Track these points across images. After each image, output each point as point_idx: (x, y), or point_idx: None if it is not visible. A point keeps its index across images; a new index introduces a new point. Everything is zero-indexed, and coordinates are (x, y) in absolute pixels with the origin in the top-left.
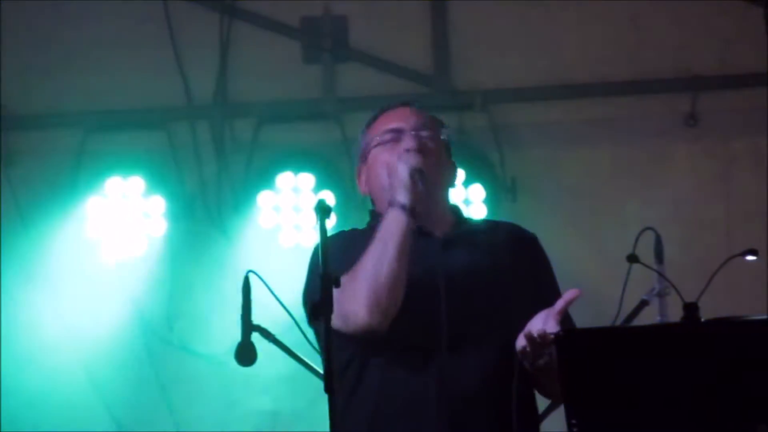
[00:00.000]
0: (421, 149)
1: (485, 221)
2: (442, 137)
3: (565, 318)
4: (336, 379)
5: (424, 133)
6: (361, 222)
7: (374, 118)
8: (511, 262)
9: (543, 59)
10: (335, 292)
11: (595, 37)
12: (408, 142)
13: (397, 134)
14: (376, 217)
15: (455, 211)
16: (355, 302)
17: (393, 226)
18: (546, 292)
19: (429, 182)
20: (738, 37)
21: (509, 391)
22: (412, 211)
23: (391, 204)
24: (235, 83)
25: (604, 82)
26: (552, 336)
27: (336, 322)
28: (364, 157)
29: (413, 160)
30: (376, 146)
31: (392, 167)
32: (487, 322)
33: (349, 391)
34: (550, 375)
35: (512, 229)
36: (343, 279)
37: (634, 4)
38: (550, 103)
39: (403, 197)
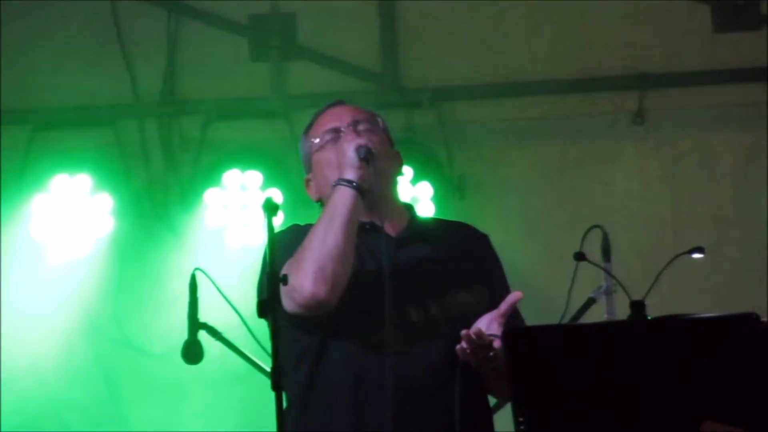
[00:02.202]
0: (357, 137)
1: (438, 220)
2: (380, 128)
3: (513, 318)
4: (289, 375)
5: (362, 126)
6: (311, 219)
7: (310, 125)
8: (463, 261)
9: (491, 57)
10: (284, 271)
11: (543, 35)
12: (348, 135)
13: (336, 133)
14: None
15: (408, 208)
16: (300, 274)
17: (338, 201)
18: (497, 291)
19: (376, 159)
20: (685, 35)
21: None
22: (359, 188)
23: (336, 183)
24: (182, 81)
25: (552, 79)
26: (490, 337)
27: (285, 302)
28: (308, 166)
29: (359, 139)
30: (317, 151)
31: (338, 152)
32: (438, 320)
33: (304, 386)
34: (500, 377)
35: (465, 229)
36: (290, 260)
37: (581, 3)
38: (498, 101)
39: (349, 174)
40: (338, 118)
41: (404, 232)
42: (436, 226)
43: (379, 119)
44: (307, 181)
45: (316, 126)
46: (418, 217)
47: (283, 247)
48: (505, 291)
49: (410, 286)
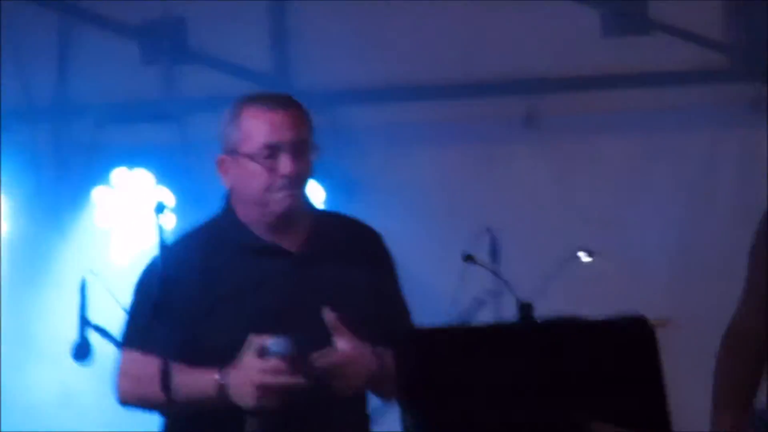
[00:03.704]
0: (295, 171)
1: (336, 225)
2: (311, 135)
3: (401, 319)
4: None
5: (300, 146)
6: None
7: (246, 114)
8: (360, 281)
9: (382, 60)
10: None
11: (434, 39)
12: (285, 165)
13: (274, 151)
14: (228, 214)
15: (308, 205)
16: (120, 388)
17: (202, 399)
18: (384, 300)
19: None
20: (573, 39)
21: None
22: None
23: (221, 378)
24: (74, 84)
25: (443, 83)
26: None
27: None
28: (231, 152)
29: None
30: (246, 156)
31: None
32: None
33: None
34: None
35: (360, 234)
36: (133, 354)
37: (472, 6)
38: (388, 105)
39: (244, 400)
40: (280, 133)
41: (304, 247)
42: (335, 234)
43: (310, 123)
44: (222, 161)
45: (254, 125)
46: (318, 219)
47: (136, 304)
48: (393, 297)
49: (304, 313)
